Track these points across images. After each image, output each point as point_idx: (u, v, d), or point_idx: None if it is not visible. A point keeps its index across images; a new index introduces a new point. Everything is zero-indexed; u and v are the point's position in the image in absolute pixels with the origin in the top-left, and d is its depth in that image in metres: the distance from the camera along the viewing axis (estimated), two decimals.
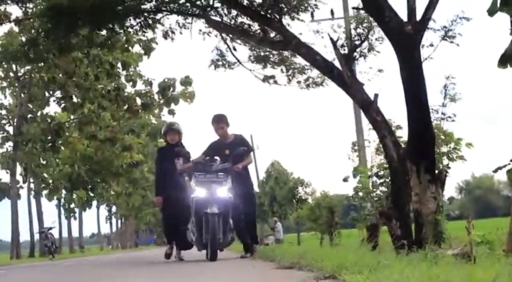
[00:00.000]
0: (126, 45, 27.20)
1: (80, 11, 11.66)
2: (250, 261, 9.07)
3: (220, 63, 13.67)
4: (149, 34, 13.45)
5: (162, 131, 12.13)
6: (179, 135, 11.73)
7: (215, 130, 11.04)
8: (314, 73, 13.60)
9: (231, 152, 10.58)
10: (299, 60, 13.33)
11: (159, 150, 13.01)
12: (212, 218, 9.34)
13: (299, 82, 13.91)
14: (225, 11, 11.96)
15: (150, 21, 12.76)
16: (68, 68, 28.44)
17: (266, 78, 13.79)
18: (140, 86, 33.84)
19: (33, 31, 19.92)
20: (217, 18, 11.90)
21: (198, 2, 11.84)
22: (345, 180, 10.92)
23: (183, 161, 11.02)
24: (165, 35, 13.34)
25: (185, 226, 10.56)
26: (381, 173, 9.92)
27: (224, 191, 9.74)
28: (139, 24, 12.77)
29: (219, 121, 11.06)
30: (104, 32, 13.82)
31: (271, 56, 13.41)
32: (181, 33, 13.18)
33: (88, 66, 28.99)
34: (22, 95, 33.70)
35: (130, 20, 12.64)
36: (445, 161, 8.45)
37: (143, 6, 12.25)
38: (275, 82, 13.90)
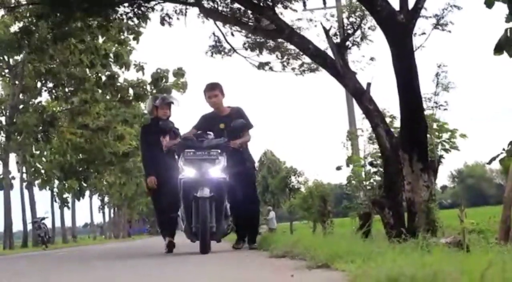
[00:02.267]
0: (115, 33, 27.17)
1: None
2: (243, 251, 9.00)
3: (217, 50, 13.61)
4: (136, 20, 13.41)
5: (154, 104, 10.54)
6: (171, 110, 10.52)
7: (207, 100, 9.62)
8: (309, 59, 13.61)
9: (226, 126, 9.24)
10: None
11: (144, 126, 11.57)
12: (202, 203, 8.06)
13: (293, 69, 13.93)
14: None
15: (143, 9, 12.81)
16: (63, 56, 28.35)
17: (261, 65, 13.81)
18: (132, 71, 33.75)
19: (25, 20, 19.94)
20: (212, 6, 11.89)
21: None
22: (338, 168, 10.93)
23: (171, 137, 9.91)
24: (162, 22, 13.34)
25: (176, 212, 9.21)
26: (375, 162, 9.93)
27: (217, 171, 8.45)
28: (132, 12, 12.82)
29: (213, 88, 9.61)
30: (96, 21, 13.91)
31: (266, 42, 13.41)
32: (178, 19, 13.19)
33: (82, 54, 28.89)
34: (14, 85, 33.57)
35: (123, 7, 12.68)
36: (440, 152, 8.46)
37: None
38: (271, 68, 13.92)
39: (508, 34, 5.03)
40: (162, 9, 13.03)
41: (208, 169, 8.41)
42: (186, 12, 12.91)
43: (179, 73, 35.64)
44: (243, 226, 9.71)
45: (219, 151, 8.63)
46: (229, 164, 8.72)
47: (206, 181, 8.27)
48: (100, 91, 33.67)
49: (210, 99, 9.54)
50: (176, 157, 9.54)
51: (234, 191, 8.91)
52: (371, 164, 10.03)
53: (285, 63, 13.82)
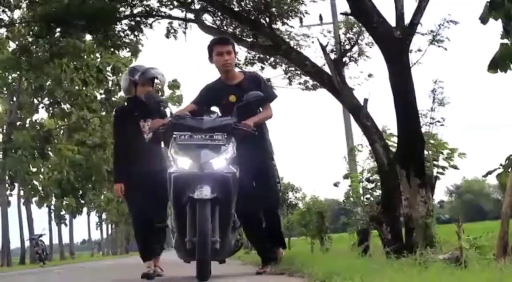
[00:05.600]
0: (112, 49, 27.27)
1: (72, 17, 11.75)
2: (239, 267, 8.81)
3: None
4: (133, 36, 13.55)
5: (132, 79, 7.71)
6: (154, 88, 7.94)
7: (214, 59, 6.87)
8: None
9: (239, 99, 6.63)
10: None
11: (118, 110, 9.02)
12: (201, 207, 5.66)
13: (300, 83, 13.97)
14: (220, 16, 12.03)
15: (142, 26, 12.93)
16: (56, 74, 28.40)
17: None
18: None
19: (22, 38, 20.09)
20: (212, 22, 11.96)
21: (192, 7, 11.92)
22: (335, 184, 10.92)
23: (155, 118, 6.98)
24: (168, 34, 13.42)
25: (163, 222, 7.09)
26: (373, 177, 9.92)
27: (222, 162, 6.01)
28: (130, 29, 12.92)
29: (225, 42, 7.03)
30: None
31: (267, 58, 13.46)
32: (184, 33, 13.27)
33: (75, 72, 28.93)
34: (11, 102, 33.62)
35: (121, 24, 12.79)
36: (439, 169, 8.46)
37: (134, 11, 12.40)
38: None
39: (503, 50, 5.05)
40: (170, 23, 13.14)
41: (210, 159, 5.99)
42: (186, 27, 12.99)
43: (174, 85, 35.72)
44: (260, 242, 7.18)
45: (225, 134, 6.23)
46: (240, 153, 6.29)
47: (207, 176, 5.89)
48: (96, 106, 33.70)
49: (219, 56, 6.83)
50: (163, 145, 7.24)
51: (248, 190, 6.45)
52: (368, 180, 10.02)
53: (291, 78, 13.85)
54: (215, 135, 6.11)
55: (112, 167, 8.35)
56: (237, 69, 7.16)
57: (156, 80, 7.82)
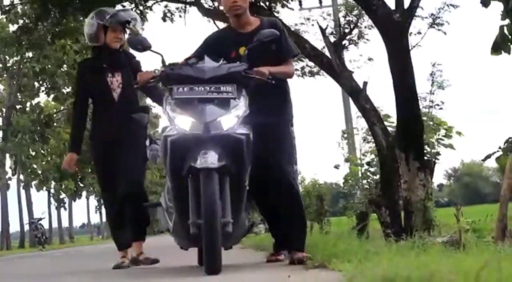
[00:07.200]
0: None
1: None
2: (238, 251, 8.70)
3: None
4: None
5: (101, 22, 6.24)
6: (125, 35, 6.44)
7: (222, 1, 5.25)
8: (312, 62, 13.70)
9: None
10: None
11: (82, 63, 7.33)
12: (206, 179, 4.33)
13: (296, 70, 13.94)
14: None
15: (141, 8, 12.90)
16: (57, 57, 28.33)
17: None
18: None
19: (23, 19, 20.09)
20: (210, 6, 11.94)
21: None
22: (336, 167, 10.94)
23: (124, 74, 6.04)
24: (164, 18, 13.42)
25: (145, 199, 5.99)
26: (373, 161, 9.93)
27: (232, 120, 4.61)
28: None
29: None
30: None
31: None
32: (180, 16, 13.27)
33: (77, 54, 28.91)
34: (12, 85, 33.58)
35: (123, 6, 12.77)
36: (436, 148, 8.48)
37: None
38: None
39: (505, 31, 5.05)
40: (166, 6, 13.13)
41: (218, 117, 4.59)
42: (185, 9, 12.98)
43: None
44: (278, 222, 5.35)
45: (235, 85, 4.73)
46: (253, 111, 4.80)
47: (214, 138, 4.54)
48: None
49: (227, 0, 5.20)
50: (149, 98, 6.38)
51: (262, 156, 4.90)
52: (368, 163, 10.03)
53: None
54: (222, 87, 4.68)
55: (70, 135, 6.65)
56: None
57: (129, 25, 6.48)
